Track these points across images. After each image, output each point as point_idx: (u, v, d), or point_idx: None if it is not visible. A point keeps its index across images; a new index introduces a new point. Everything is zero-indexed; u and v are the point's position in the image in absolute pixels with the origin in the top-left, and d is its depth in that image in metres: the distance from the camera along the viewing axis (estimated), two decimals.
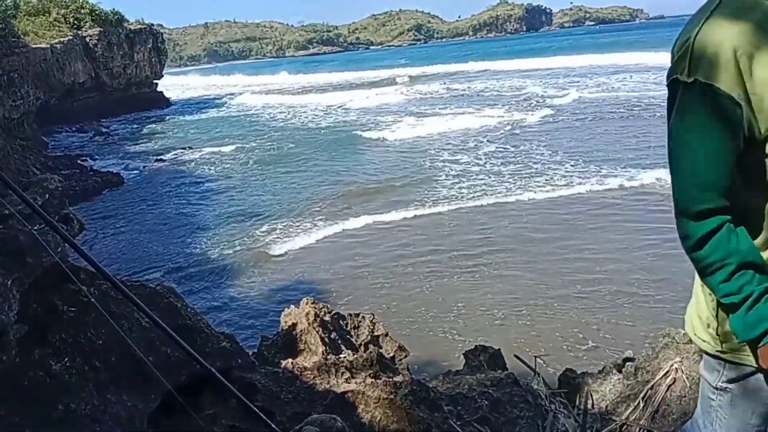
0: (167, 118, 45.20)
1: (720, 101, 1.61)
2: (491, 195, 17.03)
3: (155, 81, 54.44)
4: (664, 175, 16.01)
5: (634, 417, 4.39)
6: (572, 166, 19.04)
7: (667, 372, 4.30)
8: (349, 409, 4.11)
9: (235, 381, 3.79)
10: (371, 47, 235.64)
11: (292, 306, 5.44)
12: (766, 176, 1.67)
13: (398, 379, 4.46)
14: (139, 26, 49.90)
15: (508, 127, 27.76)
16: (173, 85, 73.41)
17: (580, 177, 17.58)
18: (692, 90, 1.65)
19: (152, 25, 54.28)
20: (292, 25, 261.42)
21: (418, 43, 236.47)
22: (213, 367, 2.95)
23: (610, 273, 11.17)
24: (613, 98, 33.98)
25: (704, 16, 1.65)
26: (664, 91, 1.81)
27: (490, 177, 19.01)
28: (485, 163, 21.24)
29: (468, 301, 10.53)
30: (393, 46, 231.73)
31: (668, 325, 5.09)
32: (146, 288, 4.05)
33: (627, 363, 4.93)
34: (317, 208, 17.14)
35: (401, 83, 59.51)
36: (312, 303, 5.33)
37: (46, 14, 40.83)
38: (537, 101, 35.79)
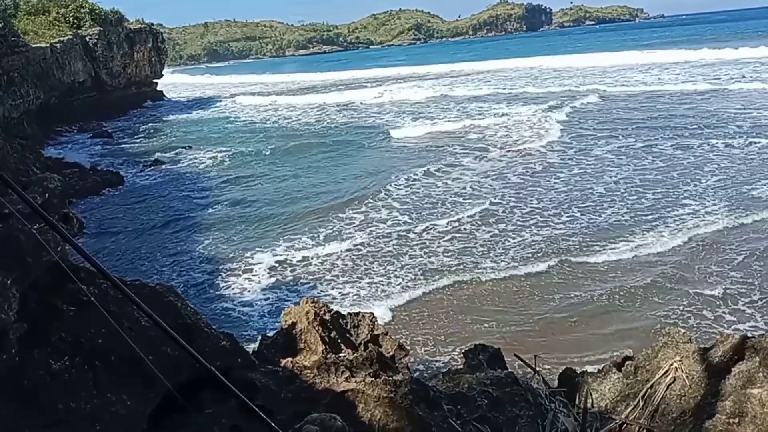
0: (166, 117, 45.15)
1: None
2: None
3: (155, 80, 54.43)
4: None
5: (633, 416, 4.39)
6: None
7: (667, 371, 4.29)
8: (349, 407, 4.12)
9: (235, 380, 3.78)
10: (371, 46, 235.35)
11: (292, 305, 5.44)
12: None
13: (398, 377, 4.46)
14: (138, 26, 49.88)
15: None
16: (172, 84, 73.34)
17: None
18: None
19: (152, 24, 54.25)
20: (292, 25, 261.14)
21: (418, 42, 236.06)
22: (213, 366, 2.95)
23: (609, 272, 11.21)
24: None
25: None
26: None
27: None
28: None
29: (469, 301, 10.53)
30: (393, 45, 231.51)
31: (667, 324, 5.10)
32: (146, 287, 4.05)
33: (626, 362, 4.93)
34: (319, 210, 17.14)
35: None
36: (312, 302, 5.32)
37: (46, 13, 40.82)
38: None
